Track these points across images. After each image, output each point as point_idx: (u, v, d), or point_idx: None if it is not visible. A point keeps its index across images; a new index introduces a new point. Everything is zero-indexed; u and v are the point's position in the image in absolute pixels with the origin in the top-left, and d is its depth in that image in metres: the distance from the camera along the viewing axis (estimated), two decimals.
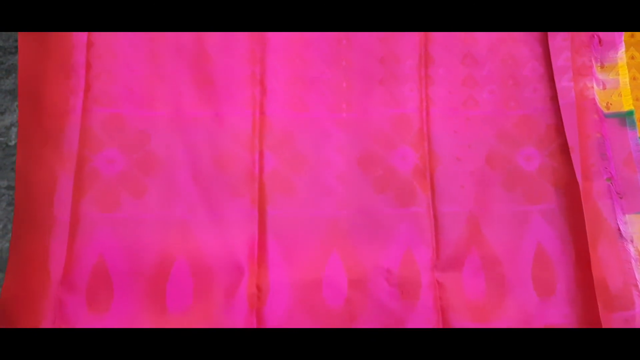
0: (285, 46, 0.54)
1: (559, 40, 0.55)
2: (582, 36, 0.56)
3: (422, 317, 0.48)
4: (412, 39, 0.55)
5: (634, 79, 0.55)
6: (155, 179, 0.50)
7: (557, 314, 0.49)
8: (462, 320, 0.48)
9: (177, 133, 0.51)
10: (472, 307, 0.49)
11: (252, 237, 0.49)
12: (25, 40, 0.53)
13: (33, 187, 0.48)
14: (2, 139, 0.88)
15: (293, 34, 0.54)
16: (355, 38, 0.55)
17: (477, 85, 0.55)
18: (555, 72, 0.54)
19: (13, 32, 0.93)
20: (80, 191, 0.48)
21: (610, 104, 0.55)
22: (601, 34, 0.56)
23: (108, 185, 0.49)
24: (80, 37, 0.51)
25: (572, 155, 0.52)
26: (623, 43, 0.56)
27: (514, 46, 0.56)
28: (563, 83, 0.54)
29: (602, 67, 0.56)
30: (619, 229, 0.51)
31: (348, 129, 0.53)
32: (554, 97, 0.54)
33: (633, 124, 0.54)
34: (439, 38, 0.56)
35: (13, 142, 0.88)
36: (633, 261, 0.50)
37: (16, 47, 0.92)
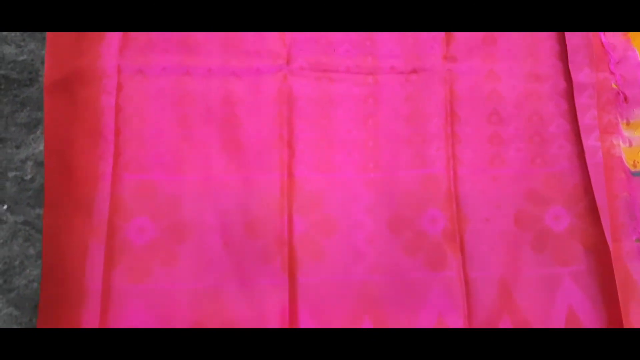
0: (312, 106, 0.54)
1: (585, 97, 0.55)
2: (608, 93, 0.56)
3: None
4: (437, 96, 0.55)
5: None
6: (186, 247, 0.49)
7: None
8: None
9: (207, 198, 0.51)
10: None
11: (283, 305, 0.49)
12: (51, 101, 0.53)
13: (63, 257, 0.48)
14: (17, 173, 0.88)
15: (319, 93, 0.54)
16: (380, 97, 0.55)
17: (503, 143, 0.55)
18: (582, 131, 0.54)
19: (27, 64, 0.93)
20: (112, 262, 0.48)
21: (637, 162, 0.55)
22: (627, 91, 0.56)
23: (139, 255, 0.49)
24: (108, 101, 0.51)
25: (601, 216, 0.52)
26: None
27: (540, 103, 0.56)
28: (590, 142, 0.54)
29: (627, 124, 0.56)
30: None
31: (376, 189, 0.53)
32: (581, 155, 0.54)
33: None
34: (464, 95, 0.56)
35: (29, 177, 0.88)
36: None
37: (30, 79, 0.92)
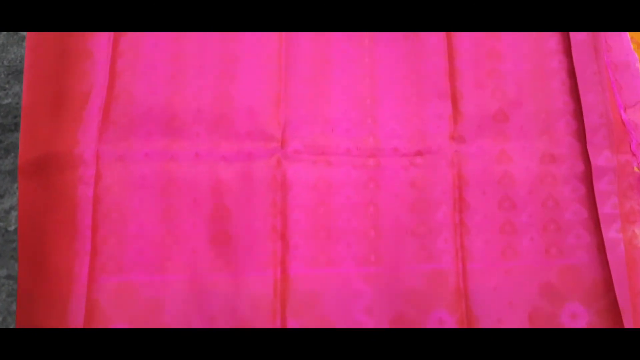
0: (308, 193, 0.50)
1: (605, 183, 0.51)
2: (630, 178, 0.51)
3: None
4: (444, 181, 0.51)
5: None
6: None
7: None
8: None
9: (192, 301, 0.46)
10: None
11: None
12: (25, 185, 0.49)
13: None
14: (1, 223, 0.83)
15: (316, 179, 0.50)
16: (382, 181, 0.51)
17: (516, 232, 0.51)
18: (602, 222, 0.50)
19: (12, 108, 0.89)
20: None
21: None
22: None
23: None
24: (85, 192, 0.47)
25: (623, 316, 0.48)
26: None
27: (555, 187, 0.52)
28: (611, 234, 0.50)
29: None
30: None
31: (378, 286, 0.49)
32: (600, 246, 0.50)
33: None
34: (473, 180, 0.51)
35: (13, 227, 0.83)
36: None
37: (15, 124, 0.88)
